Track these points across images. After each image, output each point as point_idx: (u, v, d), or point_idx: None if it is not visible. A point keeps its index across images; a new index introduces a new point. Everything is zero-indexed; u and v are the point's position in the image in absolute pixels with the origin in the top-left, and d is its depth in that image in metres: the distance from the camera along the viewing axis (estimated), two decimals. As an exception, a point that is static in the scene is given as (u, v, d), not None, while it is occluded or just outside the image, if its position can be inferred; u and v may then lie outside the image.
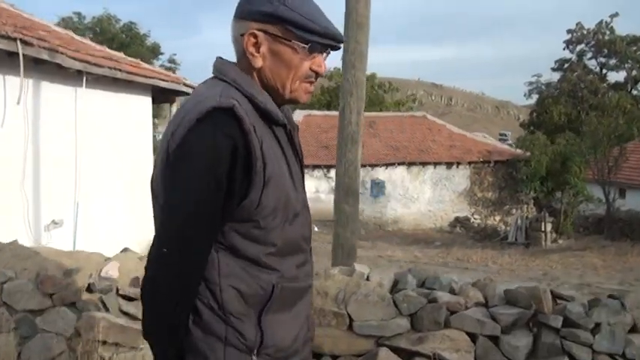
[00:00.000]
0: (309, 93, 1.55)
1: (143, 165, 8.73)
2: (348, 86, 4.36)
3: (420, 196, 22.58)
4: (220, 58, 1.56)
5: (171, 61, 47.75)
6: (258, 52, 1.48)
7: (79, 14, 41.96)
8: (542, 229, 18.79)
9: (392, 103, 35.90)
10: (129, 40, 40.57)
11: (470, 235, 21.18)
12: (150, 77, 8.60)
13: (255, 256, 1.44)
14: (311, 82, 1.53)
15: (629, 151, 28.97)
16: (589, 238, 16.74)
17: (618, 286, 10.61)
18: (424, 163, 22.46)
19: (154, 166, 1.52)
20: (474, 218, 22.80)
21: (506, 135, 46.23)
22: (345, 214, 4.32)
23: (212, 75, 1.55)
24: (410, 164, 22.29)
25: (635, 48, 38.13)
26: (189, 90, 10.05)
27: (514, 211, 22.95)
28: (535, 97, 39.92)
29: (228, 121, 1.35)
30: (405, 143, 23.11)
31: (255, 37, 1.47)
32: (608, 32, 38.51)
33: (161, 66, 47.39)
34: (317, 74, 1.51)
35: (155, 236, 1.41)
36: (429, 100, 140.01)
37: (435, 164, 22.63)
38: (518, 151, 23.60)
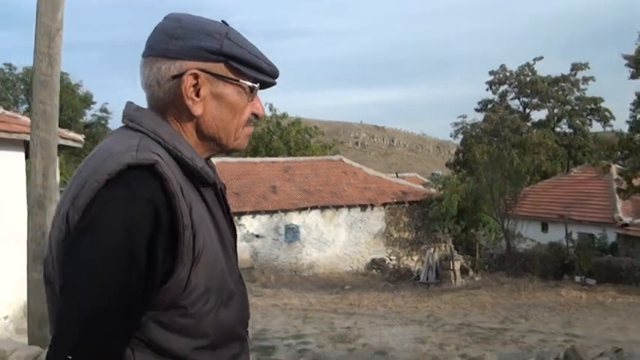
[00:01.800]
0: (248, 137, 1.37)
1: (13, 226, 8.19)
2: (34, 148, 4.05)
3: (335, 240, 22.37)
4: (131, 102, 1.29)
5: (103, 110, 47.29)
6: (198, 97, 1.24)
7: (9, 65, 41.33)
8: (452, 268, 18.78)
9: (318, 146, 36.00)
10: (60, 90, 39.86)
11: (385, 277, 21.02)
12: (17, 132, 8.26)
13: (182, 351, 1.13)
14: (250, 125, 1.35)
15: (552, 186, 29.81)
16: (492, 276, 16.74)
17: (499, 325, 10.56)
18: (337, 207, 22.32)
19: (49, 247, 1.18)
20: (390, 259, 22.69)
21: (438, 174, 46.99)
22: (34, 282, 3.98)
23: (122, 125, 1.26)
24: (323, 208, 22.12)
25: (556, 88, 39.47)
26: (76, 144, 9.77)
27: (431, 250, 22.96)
28: (461, 137, 40.68)
29: (148, 182, 1.08)
30: (319, 187, 22.99)
31: (196, 77, 1.23)
32: (530, 74, 39.84)
33: (93, 115, 46.98)
34: (256, 116, 1.35)
35: (54, 338, 1.05)
36: (372, 142, 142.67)
37: (349, 207, 22.52)
38: (432, 190, 23.75)
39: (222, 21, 1.30)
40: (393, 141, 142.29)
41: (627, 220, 21.47)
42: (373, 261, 22.62)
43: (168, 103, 1.24)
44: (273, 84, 1.34)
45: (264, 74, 1.29)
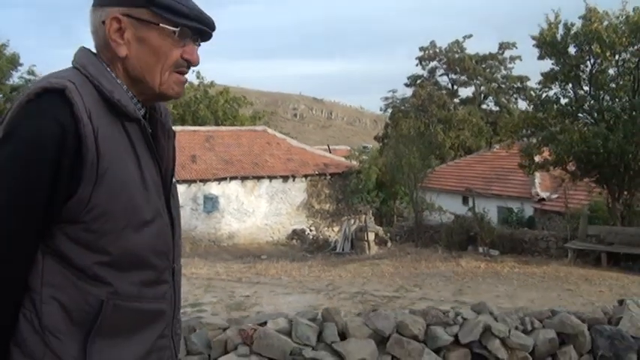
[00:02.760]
0: (182, 84, 1.40)
1: None
2: None
3: (255, 210, 22.33)
4: (84, 47, 1.40)
5: (31, 72, 45.38)
6: (122, 39, 1.33)
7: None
8: (366, 239, 19.09)
9: (247, 117, 35.69)
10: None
11: (304, 248, 21.17)
12: None
13: (85, 265, 1.24)
14: (182, 73, 1.39)
15: (475, 162, 30.56)
16: (400, 246, 17.08)
17: (393, 293, 10.75)
18: (259, 177, 22.24)
19: None
20: (310, 230, 22.84)
21: (368, 148, 47.43)
22: None
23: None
24: (243, 178, 22.00)
25: (484, 66, 40.19)
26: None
27: (350, 221, 23.25)
28: (390, 111, 41.04)
29: (58, 105, 1.20)
30: (241, 157, 22.83)
31: (119, 21, 1.32)
32: (459, 51, 40.40)
33: (20, 78, 45.03)
34: (189, 64, 1.39)
35: None
36: (310, 114, 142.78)
37: (271, 178, 22.48)
38: (354, 163, 23.96)
39: None
40: (331, 114, 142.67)
41: (544, 195, 22.24)
42: (294, 232, 22.75)
43: (102, 47, 1.36)
44: (204, 31, 1.39)
45: (188, 19, 1.34)
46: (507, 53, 39.56)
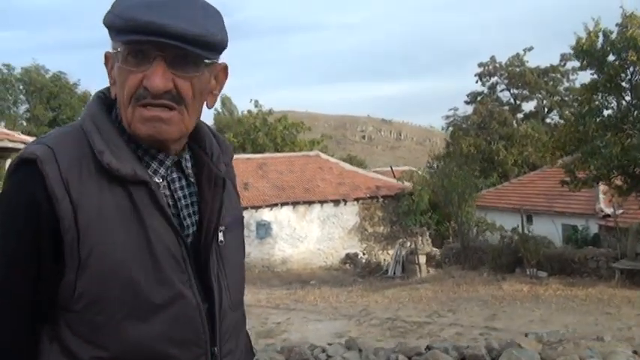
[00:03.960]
0: (151, 121, 1.10)
1: None
2: None
3: (308, 235, 22.44)
4: (97, 93, 1.24)
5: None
6: (111, 78, 1.18)
7: (8, 66, 41.77)
8: (417, 262, 18.79)
9: (305, 142, 36.04)
10: (58, 89, 40.48)
11: (356, 272, 21.06)
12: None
13: (80, 356, 1.09)
14: (146, 105, 1.10)
15: (538, 178, 29.66)
16: (447, 270, 16.73)
17: (424, 319, 10.58)
18: (310, 202, 22.37)
19: None
20: (363, 254, 22.71)
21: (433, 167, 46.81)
22: None
23: None
24: (295, 204, 22.19)
25: (546, 79, 39.13)
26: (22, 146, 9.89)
27: (404, 244, 22.98)
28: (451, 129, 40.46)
29: (33, 178, 1.06)
30: (292, 183, 23.06)
31: (105, 58, 1.19)
32: (519, 65, 39.51)
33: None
34: (149, 92, 1.08)
35: None
36: (379, 136, 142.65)
37: (322, 202, 22.56)
38: (407, 184, 23.73)
39: None
40: (400, 134, 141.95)
41: (609, 211, 21.32)
42: (347, 256, 22.68)
43: None
44: (152, 42, 1.07)
45: (123, 31, 1.08)
46: (569, 64, 38.36)
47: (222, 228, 1.22)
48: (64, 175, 1.06)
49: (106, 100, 1.21)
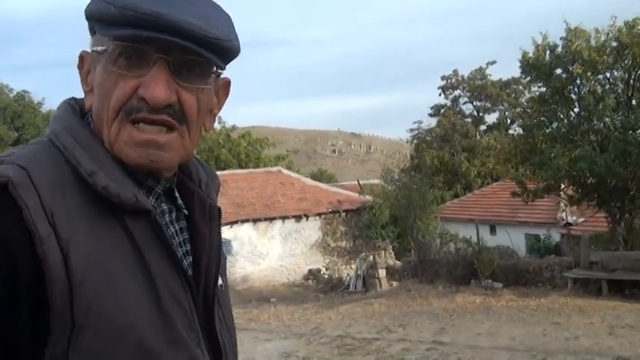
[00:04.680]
0: (142, 146, 0.87)
1: None
2: None
3: (269, 252, 22.28)
4: (68, 101, 0.97)
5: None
6: (87, 84, 0.93)
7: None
8: (377, 276, 18.79)
9: (270, 158, 35.97)
10: (22, 109, 39.84)
11: (318, 288, 20.97)
12: None
13: None
14: (138, 122, 0.87)
15: (501, 189, 29.96)
16: (405, 283, 16.72)
17: (374, 335, 10.52)
18: (271, 219, 22.24)
19: None
20: (326, 269, 22.64)
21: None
22: None
23: None
24: (255, 221, 22.03)
25: (508, 91, 39.72)
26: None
27: (370, 258, 22.96)
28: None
29: (4, 211, 0.77)
30: (253, 200, 22.92)
31: (81, 59, 0.94)
32: (481, 78, 40.10)
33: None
34: (147, 104, 0.86)
35: None
36: (349, 149, 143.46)
37: (283, 218, 22.45)
38: (368, 198, 23.75)
39: None
40: (370, 147, 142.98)
41: (571, 219, 21.63)
42: (310, 272, 22.57)
43: None
44: (164, 41, 0.84)
45: (123, 25, 0.84)
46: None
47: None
48: (46, 204, 0.79)
49: (77, 110, 0.96)
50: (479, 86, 39.21)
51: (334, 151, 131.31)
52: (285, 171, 26.11)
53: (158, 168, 0.91)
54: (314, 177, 67.99)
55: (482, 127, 40.62)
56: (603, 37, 13.25)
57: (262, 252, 22.18)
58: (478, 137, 37.34)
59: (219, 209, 1.04)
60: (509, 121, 40.42)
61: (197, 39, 0.85)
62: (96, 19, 0.88)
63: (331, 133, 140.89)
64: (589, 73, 12.24)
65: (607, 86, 13.45)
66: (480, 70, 40.37)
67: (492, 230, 25.86)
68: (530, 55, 13.15)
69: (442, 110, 40.24)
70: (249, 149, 34.69)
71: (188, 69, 0.88)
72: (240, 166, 31.70)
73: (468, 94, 40.53)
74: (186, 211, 1.00)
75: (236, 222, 21.72)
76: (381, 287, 18.39)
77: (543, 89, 13.68)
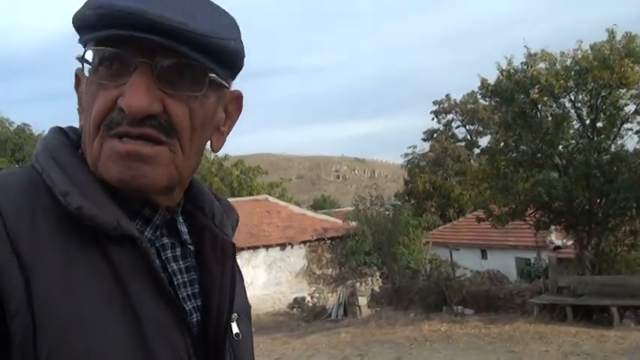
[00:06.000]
0: (125, 158, 0.77)
1: None
2: None
3: (254, 281, 22.21)
4: (57, 128, 0.89)
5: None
6: (80, 104, 0.85)
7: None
8: (357, 304, 18.69)
9: (263, 185, 36.06)
10: (22, 141, 40.21)
11: (303, 316, 20.86)
12: None
13: None
14: (125, 134, 0.77)
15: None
16: (378, 311, 16.64)
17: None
18: (255, 247, 22.24)
19: None
20: (311, 297, 22.54)
21: (398, 204, 46.99)
22: None
23: None
24: (239, 250, 22.02)
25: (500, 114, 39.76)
26: None
27: (358, 285, 22.86)
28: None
29: None
30: (238, 228, 22.90)
31: (76, 78, 0.86)
32: (473, 102, 40.23)
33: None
34: (124, 113, 0.76)
35: None
36: (353, 175, 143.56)
37: (267, 247, 22.45)
38: (353, 224, 23.70)
39: None
40: (374, 172, 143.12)
41: (559, 242, 21.54)
42: (295, 300, 22.48)
43: None
44: (135, 38, 0.74)
45: (97, 27, 0.76)
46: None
47: (235, 316, 0.90)
48: (10, 228, 0.71)
49: (67, 135, 0.87)
50: (470, 110, 39.30)
51: (338, 177, 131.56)
52: (272, 199, 26.18)
53: (141, 185, 0.78)
54: (316, 203, 68.10)
55: (477, 151, 40.65)
56: (569, 61, 13.35)
57: (247, 281, 21.52)
58: (471, 161, 37.33)
59: (233, 245, 0.93)
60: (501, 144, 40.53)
61: (181, 36, 0.74)
62: (77, 28, 0.80)
63: (335, 158, 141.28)
64: (545, 98, 12.29)
65: (572, 110, 13.50)
66: (472, 93, 40.49)
67: (483, 255, 25.81)
68: (490, 81, 13.23)
69: (435, 135, 40.31)
70: (241, 178, 34.80)
71: (177, 74, 0.78)
72: (233, 195, 31.79)
73: (460, 118, 40.64)
74: (192, 247, 0.90)
75: (219, 252, 21.73)
76: (360, 315, 18.28)
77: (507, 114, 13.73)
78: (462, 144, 39.68)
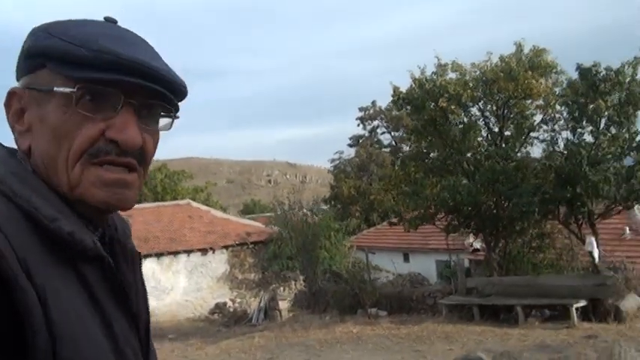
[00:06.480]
0: (111, 185, 0.86)
1: None
2: None
3: (174, 287, 21.97)
4: (12, 150, 0.92)
5: None
6: (23, 124, 0.89)
7: None
8: (277, 308, 18.79)
9: (188, 190, 35.66)
10: None
11: (224, 321, 20.76)
12: None
13: None
14: (112, 163, 0.86)
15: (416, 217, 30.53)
16: (298, 314, 16.78)
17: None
18: (175, 253, 21.99)
19: None
20: (233, 302, 22.47)
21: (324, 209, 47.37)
22: None
23: None
24: (159, 255, 21.74)
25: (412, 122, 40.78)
26: None
27: (281, 289, 22.93)
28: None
29: None
30: (158, 234, 22.63)
31: (18, 97, 0.89)
32: (397, 109, 40.99)
33: None
34: (119, 145, 0.86)
35: None
36: (284, 179, 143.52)
37: (188, 252, 22.24)
38: (276, 229, 23.79)
39: (105, 18, 0.94)
40: (305, 177, 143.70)
41: (477, 245, 22.21)
42: (216, 305, 22.34)
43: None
44: (141, 87, 0.87)
45: (97, 68, 0.84)
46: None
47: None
48: (19, 251, 0.76)
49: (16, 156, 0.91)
50: (395, 117, 40.08)
51: (269, 181, 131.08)
52: (195, 204, 25.94)
53: (122, 207, 0.91)
54: (247, 208, 67.75)
55: (400, 156, 41.53)
56: (479, 72, 13.89)
57: (167, 287, 21.84)
58: (395, 167, 38.09)
59: (139, 254, 1.04)
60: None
61: (171, 86, 0.89)
62: (55, 58, 0.86)
63: (267, 163, 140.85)
64: (453, 107, 12.77)
65: (481, 119, 14.05)
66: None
67: (406, 258, 26.41)
68: (402, 89, 13.63)
69: (360, 141, 40.91)
70: (165, 182, 34.31)
71: (148, 113, 0.90)
72: (157, 200, 31.30)
73: (385, 125, 41.39)
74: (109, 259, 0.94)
75: (138, 257, 21.36)
76: (281, 319, 18.38)
77: (415, 122, 14.16)
78: (387, 150, 40.40)
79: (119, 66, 0.84)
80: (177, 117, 0.96)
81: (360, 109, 41.43)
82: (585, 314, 12.07)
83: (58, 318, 0.76)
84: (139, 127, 0.88)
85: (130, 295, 0.94)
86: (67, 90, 0.85)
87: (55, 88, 0.85)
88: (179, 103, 0.96)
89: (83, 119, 0.86)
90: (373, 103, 41.90)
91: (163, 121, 0.95)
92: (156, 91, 0.88)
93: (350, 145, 41.68)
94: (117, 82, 0.85)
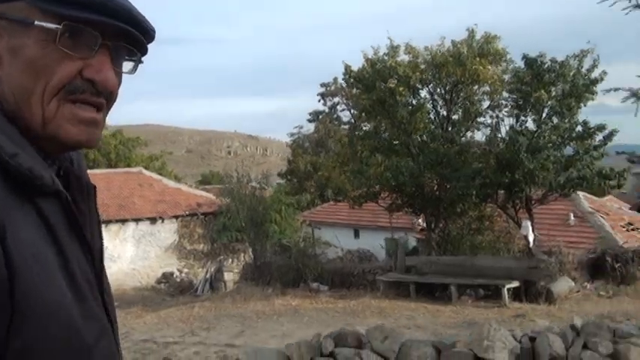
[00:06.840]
0: (84, 123, 0.88)
1: None
2: None
3: (121, 255, 21.86)
4: None
5: None
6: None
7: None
8: (223, 279, 18.94)
9: (143, 157, 35.28)
10: None
11: (169, 291, 20.81)
12: None
13: None
14: (85, 102, 0.87)
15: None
16: (242, 286, 16.94)
17: (177, 338, 10.58)
18: (124, 220, 21.86)
19: None
20: (180, 272, 22.51)
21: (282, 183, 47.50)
22: None
23: None
24: (106, 222, 21.55)
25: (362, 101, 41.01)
26: None
27: (230, 261, 23.04)
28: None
29: None
30: (107, 201, 22.40)
31: None
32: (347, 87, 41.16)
33: None
34: (95, 85, 0.87)
35: None
36: (245, 151, 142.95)
37: (137, 220, 22.12)
38: (227, 201, 23.82)
39: None
40: (266, 150, 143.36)
41: (424, 224, 22.67)
42: (163, 275, 22.35)
43: None
44: (121, 31, 0.89)
45: (84, 9, 0.85)
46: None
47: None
48: None
49: None
50: (355, 95, 40.16)
51: (229, 153, 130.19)
52: (147, 172, 25.74)
53: (93, 146, 0.93)
54: (205, 178, 67.31)
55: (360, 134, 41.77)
56: (430, 56, 14.07)
57: (113, 255, 21.69)
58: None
59: (94, 187, 1.03)
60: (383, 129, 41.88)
61: (146, 33, 0.92)
62: None
63: (227, 134, 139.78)
64: (401, 88, 12.95)
65: (430, 102, 14.27)
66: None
67: (356, 234, 26.80)
68: (353, 68, 13.75)
69: (320, 116, 40.96)
70: (119, 148, 33.86)
71: (120, 55, 0.92)
72: (110, 166, 30.93)
73: (345, 102, 41.48)
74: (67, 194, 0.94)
75: (85, 223, 21.19)
76: (225, 290, 18.54)
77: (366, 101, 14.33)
78: (346, 127, 40.56)
79: (103, 7, 0.87)
80: (142, 62, 0.98)
81: (322, 85, 41.42)
82: (518, 295, 12.51)
83: (16, 253, 0.77)
84: (113, 69, 0.91)
85: (86, 228, 0.95)
86: (52, 26, 0.86)
87: (37, 22, 0.86)
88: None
89: (63, 56, 0.87)
90: (335, 79, 41.88)
91: (128, 65, 0.97)
92: (131, 34, 0.91)
93: (309, 121, 41.73)
94: (99, 23, 0.87)
